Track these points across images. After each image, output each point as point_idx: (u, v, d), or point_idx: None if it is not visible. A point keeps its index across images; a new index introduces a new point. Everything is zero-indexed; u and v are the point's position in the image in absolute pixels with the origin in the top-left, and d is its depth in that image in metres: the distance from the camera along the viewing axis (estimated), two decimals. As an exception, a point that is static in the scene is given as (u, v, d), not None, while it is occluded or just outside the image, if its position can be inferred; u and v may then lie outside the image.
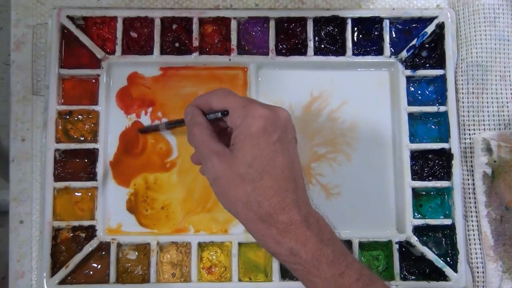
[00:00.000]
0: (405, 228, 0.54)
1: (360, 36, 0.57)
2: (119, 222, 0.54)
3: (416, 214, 0.54)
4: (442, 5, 0.58)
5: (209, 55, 0.56)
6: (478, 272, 0.53)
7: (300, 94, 0.57)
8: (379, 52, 0.56)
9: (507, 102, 0.55)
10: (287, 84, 0.57)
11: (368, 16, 0.56)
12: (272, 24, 0.56)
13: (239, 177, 0.38)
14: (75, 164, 0.55)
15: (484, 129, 0.55)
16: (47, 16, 0.56)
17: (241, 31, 0.57)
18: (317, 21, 0.56)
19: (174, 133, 0.55)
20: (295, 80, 0.57)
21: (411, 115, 0.55)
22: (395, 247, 0.53)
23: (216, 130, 0.43)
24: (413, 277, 0.53)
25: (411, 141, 0.55)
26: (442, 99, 0.56)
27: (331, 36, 0.57)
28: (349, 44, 0.56)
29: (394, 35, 0.57)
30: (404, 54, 0.56)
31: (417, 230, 0.54)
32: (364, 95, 0.57)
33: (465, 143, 0.55)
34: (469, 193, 0.54)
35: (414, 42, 0.56)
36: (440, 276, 0.53)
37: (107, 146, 0.55)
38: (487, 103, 0.55)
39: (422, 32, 0.56)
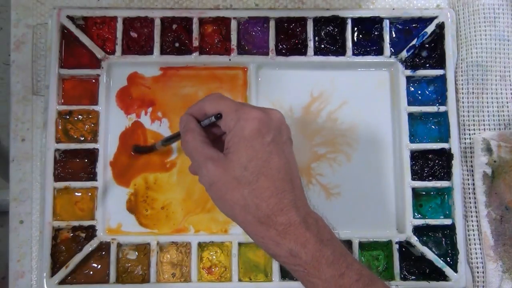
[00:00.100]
0: (405, 228, 0.54)
1: (360, 36, 0.57)
2: (119, 222, 0.54)
3: (416, 214, 0.54)
4: (442, 5, 0.58)
5: (209, 55, 0.56)
6: (478, 272, 0.53)
7: (300, 94, 0.57)
8: (379, 52, 0.56)
9: (507, 102, 0.55)
10: (287, 84, 0.57)
11: (368, 16, 0.56)
12: (272, 24, 0.56)
13: (235, 180, 0.38)
14: (75, 164, 0.55)
15: (484, 129, 0.55)
16: (47, 16, 0.56)
17: (241, 31, 0.56)
18: (317, 21, 0.56)
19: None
20: (295, 80, 0.57)
21: (411, 115, 0.55)
22: (395, 247, 0.53)
23: (211, 138, 0.43)
24: (413, 277, 0.53)
25: (411, 141, 0.55)
26: (442, 99, 0.56)
27: (331, 36, 0.57)
28: (349, 44, 0.56)
29: (394, 35, 0.57)
30: (404, 54, 0.56)
31: (417, 230, 0.54)
32: (364, 95, 0.57)
33: (465, 143, 0.55)
34: (469, 193, 0.54)
35: (414, 42, 0.56)
36: (440, 276, 0.53)
37: (107, 146, 0.55)
38: (487, 103, 0.55)
39: (422, 32, 0.56)
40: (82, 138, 0.55)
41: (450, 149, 0.54)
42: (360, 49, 0.56)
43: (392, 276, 0.53)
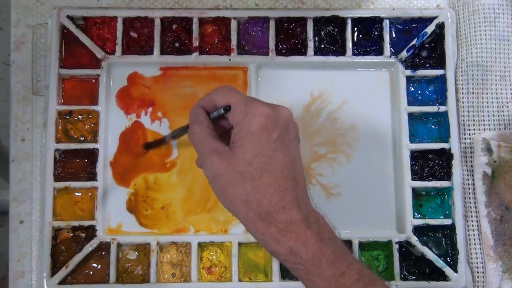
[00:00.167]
0: (405, 228, 0.54)
1: (360, 36, 0.57)
2: (119, 222, 0.54)
3: (416, 214, 0.54)
4: (442, 5, 0.58)
5: (209, 55, 0.56)
6: (478, 272, 0.53)
7: (300, 94, 0.57)
8: (379, 52, 0.56)
9: (507, 102, 0.55)
10: (287, 84, 0.57)
11: (368, 16, 0.56)
12: (272, 24, 0.56)
13: (239, 175, 0.38)
14: (75, 164, 0.55)
15: (484, 129, 0.55)
16: (47, 16, 0.56)
17: (241, 31, 0.57)
18: (317, 21, 0.56)
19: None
20: (295, 80, 0.57)
21: (411, 115, 0.55)
22: (395, 247, 0.53)
23: (219, 131, 0.43)
24: (413, 277, 0.53)
25: (411, 141, 0.55)
26: (442, 99, 0.56)
27: (331, 36, 0.57)
28: (349, 44, 0.56)
29: (394, 35, 0.57)
30: (404, 54, 0.56)
31: (417, 230, 0.54)
32: (364, 95, 0.57)
33: (465, 143, 0.55)
34: (469, 193, 0.54)
35: (414, 42, 0.56)
36: (440, 276, 0.53)
37: (107, 146, 0.55)
38: (487, 103, 0.55)
39: (422, 32, 0.56)
40: (82, 138, 0.55)
41: (450, 149, 0.54)
42: (360, 49, 0.56)
43: (392, 276, 0.53)
